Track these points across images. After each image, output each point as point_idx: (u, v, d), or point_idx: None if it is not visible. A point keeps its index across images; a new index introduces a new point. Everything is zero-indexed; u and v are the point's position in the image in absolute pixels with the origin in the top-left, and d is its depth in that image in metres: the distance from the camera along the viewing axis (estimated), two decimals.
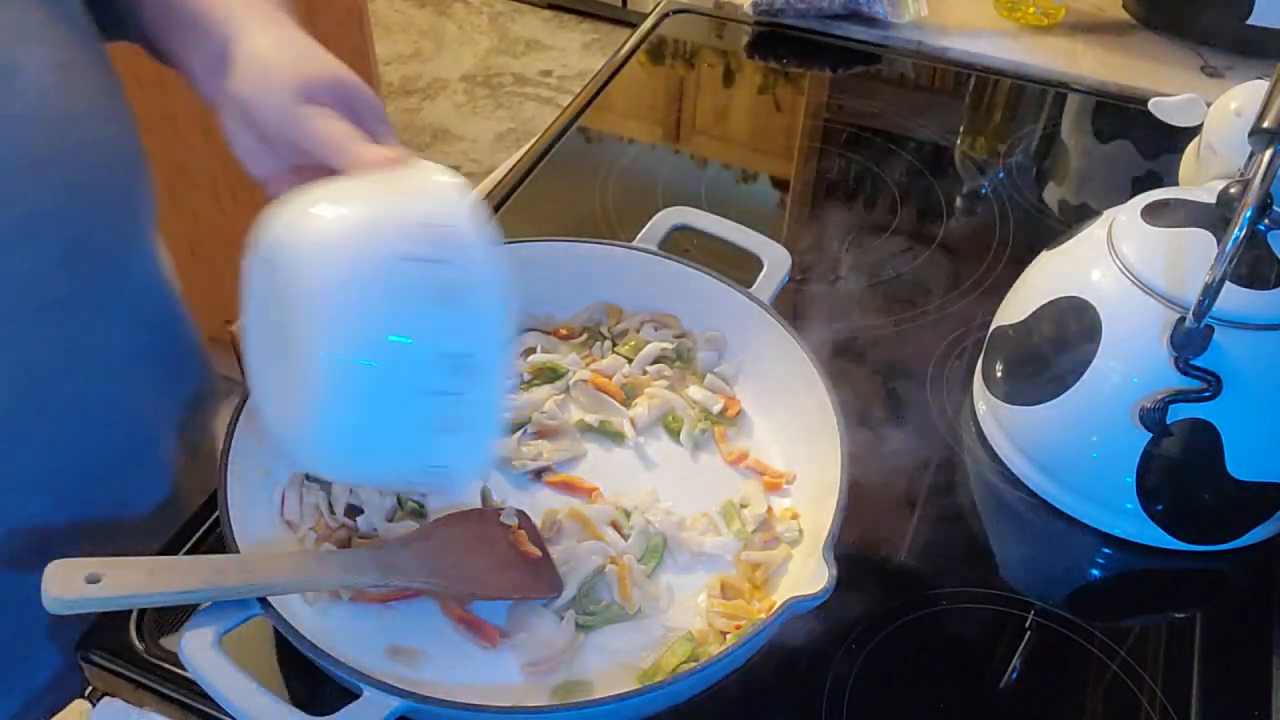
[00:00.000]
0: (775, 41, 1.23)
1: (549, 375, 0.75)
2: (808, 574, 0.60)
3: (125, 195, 0.65)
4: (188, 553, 0.68)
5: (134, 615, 0.64)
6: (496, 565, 0.64)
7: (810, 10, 1.21)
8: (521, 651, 0.62)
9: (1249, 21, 1.14)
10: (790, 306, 0.88)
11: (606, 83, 1.15)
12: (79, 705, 0.64)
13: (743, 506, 0.69)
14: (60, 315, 0.61)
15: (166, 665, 0.62)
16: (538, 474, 0.71)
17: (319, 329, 0.48)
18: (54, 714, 0.64)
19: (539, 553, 0.65)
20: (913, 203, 1.01)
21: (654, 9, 1.28)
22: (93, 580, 0.51)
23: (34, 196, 0.57)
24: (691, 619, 0.64)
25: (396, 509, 0.68)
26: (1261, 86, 0.78)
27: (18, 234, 0.56)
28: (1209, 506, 0.70)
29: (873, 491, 0.74)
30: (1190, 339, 0.63)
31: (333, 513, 0.67)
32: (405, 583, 0.61)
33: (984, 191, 1.02)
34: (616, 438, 0.73)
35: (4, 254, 0.56)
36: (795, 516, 0.69)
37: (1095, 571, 0.73)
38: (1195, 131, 0.90)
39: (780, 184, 1.07)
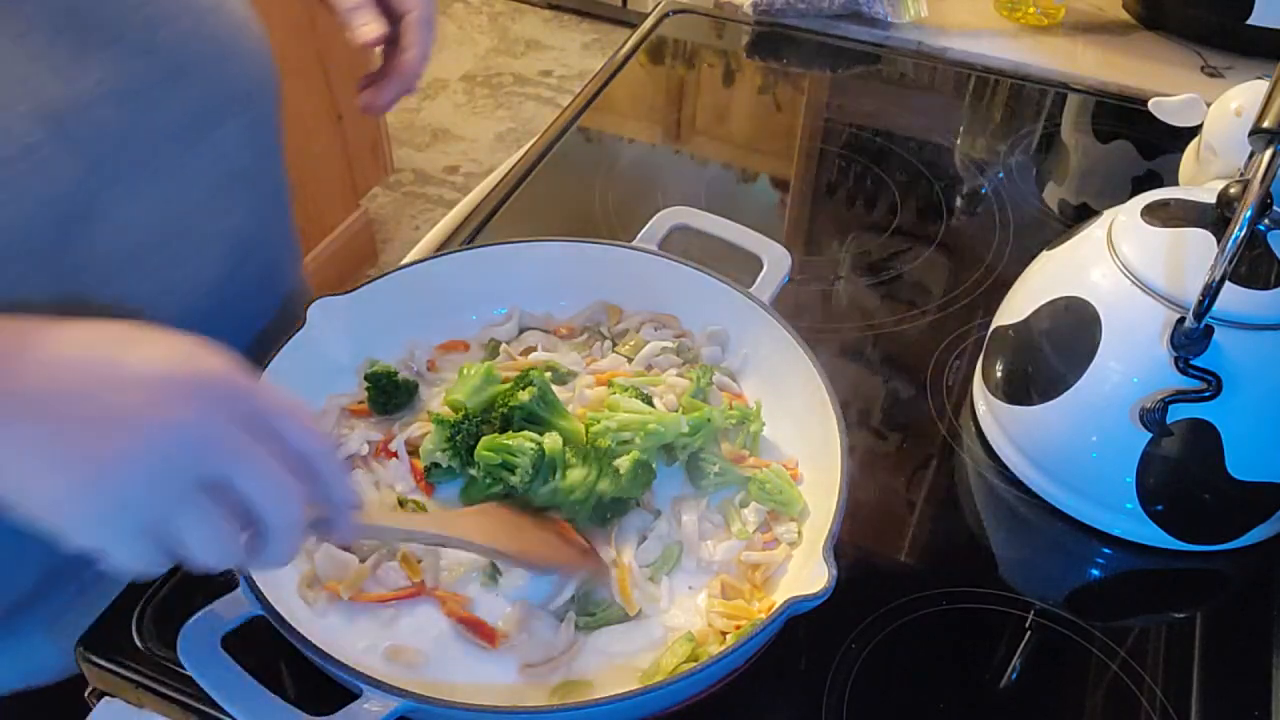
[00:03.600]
0: (775, 41, 1.23)
1: (554, 376, 0.75)
2: (808, 574, 0.60)
3: (276, 91, 0.75)
4: None
5: (134, 615, 0.64)
6: (548, 541, 0.65)
7: (810, 10, 1.21)
8: (521, 652, 0.62)
9: (1249, 21, 1.14)
10: (790, 306, 0.88)
11: (606, 83, 1.15)
12: None
13: (742, 506, 0.69)
14: (244, 185, 0.72)
15: (166, 665, 0.62)
16: None
17: None
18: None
19: (585, 543, 0.66)
20: (913, 203, 1.01)
21: (654, 9, 1.28)
22: None
23: (229, 81, 0.69)
24: (691, 619, 0.64)
25: (396, 507, 0.68)
26: (1261, 86, 0.79)
27: (219, 112, 0.68)
28: (1209, 506, 0.70)
29: (873, 491, 0.74)
30: (1190, 339, 0.63)
31: None
32: (462, 543, 0.62)
33: (984, 191, 1.03)
34: None
35: (211, 128, 0.68)
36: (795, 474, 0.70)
37: (1095, 571, 0.73)
38: (1195, 131, 0.90)
39: (780, 184, 1.07)
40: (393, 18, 0.74)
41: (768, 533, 0.68)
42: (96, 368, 0.47)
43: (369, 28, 0.73)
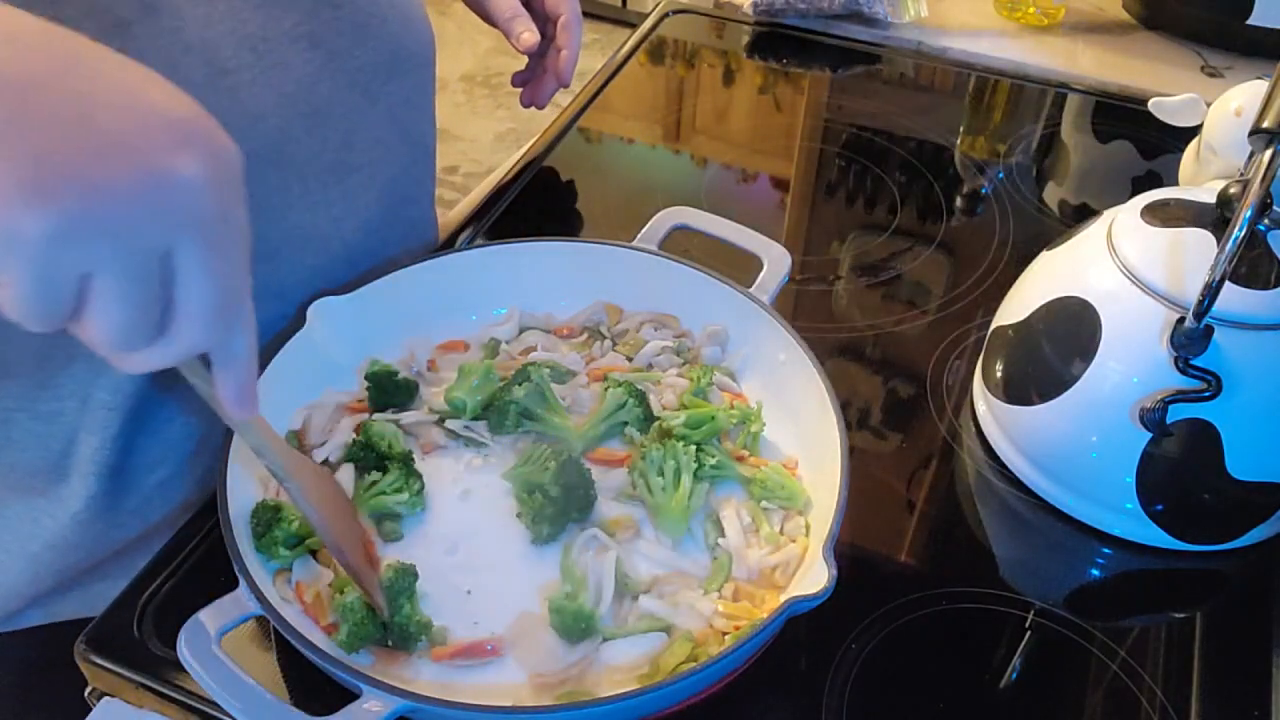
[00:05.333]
0: (775, 41, 1.23)
1: (554, 375, 0.75)
2: (808, 574, 0.60)
3: (434, 59, 0.81)
4: (186, 555, 0.68)
5: (134, 615, 0.64)
6: (357, 542, 0.63)
7: (810, 10, 1.21)
8: (527, 663, 0.61)
9: (1249, 21, 1.14)
10: (790, 306, 0.89)
11: (606, 83, 1.15)
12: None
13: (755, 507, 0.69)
14: (405, 141, 0.78)
15: (167, 665, 0.62)
16: None
17: None
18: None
19: (372, 571, 0.63)
20: (913, 203, 1.01)
21: (654, 9, 1.28)
22: None
23: (401, 42, 0.75)
24: (692, 619, 0.64)
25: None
26: (1261, 86, 0.79)
27: (391, 70, 0.74)
28: (1209, 506, 0.70)
29: (873, 491, 0.74)
30: (1190, 339, 0.63)
31: None
32: (293, 490, 0.60)
33: (984, 191, 1.03)
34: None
35: (383, 83, 0.74)
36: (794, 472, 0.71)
37: (1095, 571, 0.73)
38: (1195, 131, 0.90)
39: (780, 184, 1.07)
40: (542, 22, 0.85)
41: (783, 534, 0.68)
42: (119, 91, 0.42)
43: (528, 35, 0.84)
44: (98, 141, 0.40)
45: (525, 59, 0.91)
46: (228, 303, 0.45)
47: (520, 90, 0.92)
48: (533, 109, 0.93)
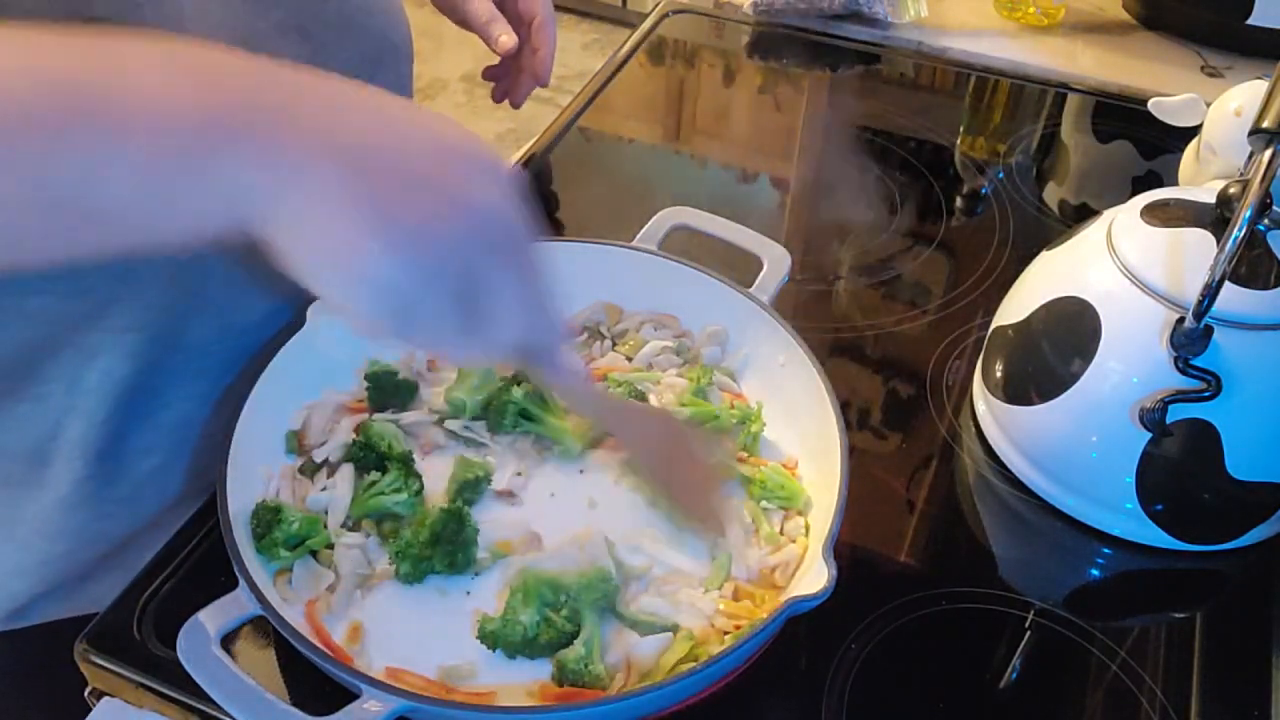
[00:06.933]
0: (775, 41, 1.23)
1: None
2: (808, 574, 0.60)
3: (412, 50, 0.86)
4: (186, 555, 0.68)
5: (134, 615, 0.64)
6: (699, 488, 0.65)
7: (810, 10, 1.21)
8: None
9: (1249, 21, 1.14)
10: (790, 306, 0.89)
11: (606, 83, 1.15)
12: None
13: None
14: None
15: (167, 665, 0.61)
16: None
17: None
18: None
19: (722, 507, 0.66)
20: (913, 203, 1.01)
21: (654, 9, 1.28)
22: None
23: (382, 34, 0.78)
24: (692, 617, 0.64)
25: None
26: (1261, 86, 0.79)
27: (375, 63, 0.76)
28: (1209, 506, 0.70)
29: (873, 491, 0.74)
30: (1190, 339, 0.63)
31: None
32: (630, 443, 0.64)
33: (984, 191, 1.03)
34: None
35: (369, 76, 0.71)
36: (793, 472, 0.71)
37: (1095, 571, 0.73)
38: (1195, 131, 0.90)
39: (780, 184, 1.07)
40: (516, 24, 0.86)
41: (783, 534, 0.68)
42: (416, 133, 0.47)
43: (505, 38, 0.85)
44: (416, 186, 0.46)
45: None
46: (533, 303, 0.50)
47: (493, 85, 0.93)
48: (533, 110, 0.94)
